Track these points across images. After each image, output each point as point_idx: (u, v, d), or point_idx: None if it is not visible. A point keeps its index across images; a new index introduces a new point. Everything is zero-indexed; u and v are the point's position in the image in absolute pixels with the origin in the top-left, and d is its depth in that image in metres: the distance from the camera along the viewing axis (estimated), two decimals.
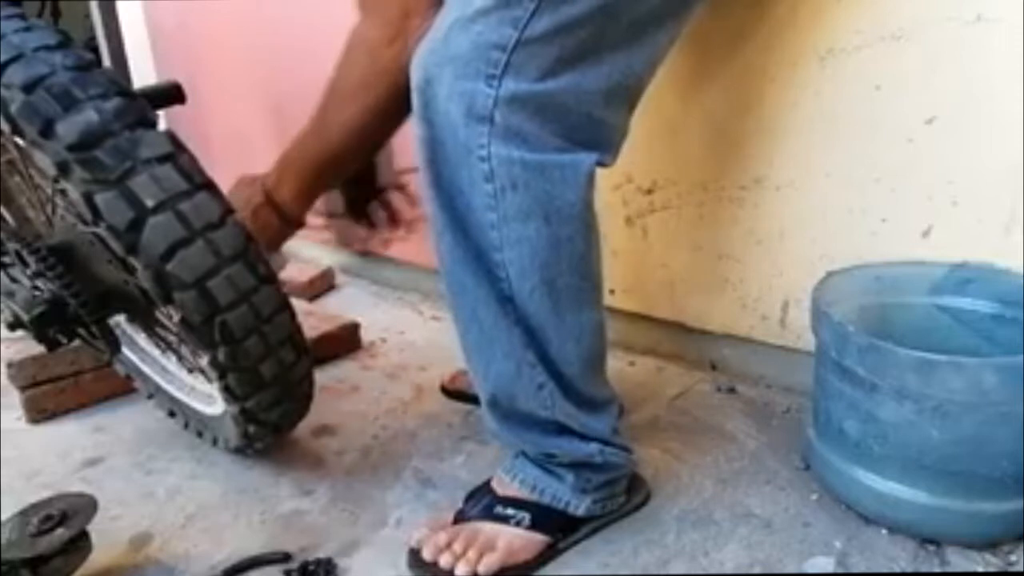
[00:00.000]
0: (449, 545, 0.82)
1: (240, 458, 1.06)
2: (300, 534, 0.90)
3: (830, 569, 0.81)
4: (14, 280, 0.89)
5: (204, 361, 0.82)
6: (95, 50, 2.24)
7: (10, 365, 1.16)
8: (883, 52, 0.93)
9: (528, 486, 0.85)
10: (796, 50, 0.99)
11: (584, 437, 0.82)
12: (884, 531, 0.85)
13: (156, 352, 1.13)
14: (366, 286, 1.73)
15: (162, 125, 0.78)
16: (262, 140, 1.81)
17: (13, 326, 0.88)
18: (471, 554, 0.81)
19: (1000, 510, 0.80)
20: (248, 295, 0.79)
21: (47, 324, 0.85)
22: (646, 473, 0.95)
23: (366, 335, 1.42)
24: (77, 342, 0.93)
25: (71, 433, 1.15)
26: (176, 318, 0.77)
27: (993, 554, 0.81)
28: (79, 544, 0.80)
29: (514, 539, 0.83)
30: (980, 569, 0.80)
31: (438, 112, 0.70)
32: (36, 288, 0.85)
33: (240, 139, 1.91)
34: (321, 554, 0.86)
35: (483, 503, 0.87)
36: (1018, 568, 0.80)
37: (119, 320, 1.11)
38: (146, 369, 1.14)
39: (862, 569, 0.81)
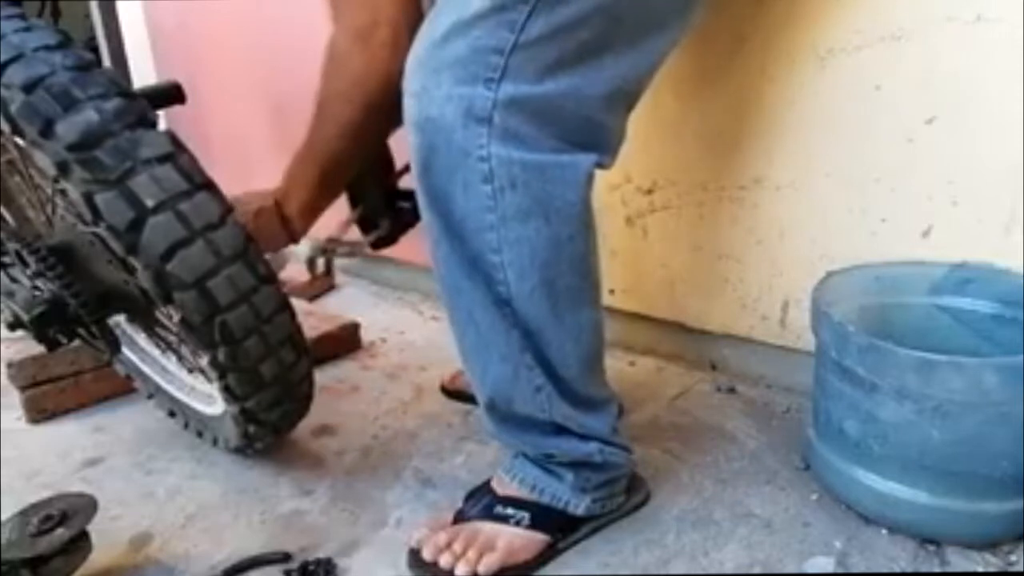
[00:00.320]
0: (449, 545, 0.82)
1: (240, 458, 1.06)
2: (300, 534, 0.90)
3: (830, 569, 0.81)
4: (14, 280, 0.89)
5: (204, 361, 0.82)
6: (95, 50, 2.24)
7: (10, 365, 1.16)
8: (883, 52, 0.93)
9: (528, 486, 0.85)
10: (795, 50, 0.99)
11: (583, 437, 0.82)
12: (884, 531, 0.85)
13: (156, 352, 1.13)
14: (366, 286, 1.73)
15: (162, 125, 0.78)
16: (262, 140, 1.81)
17: (13, 326, 0.88)
18: (471, 554, 0.81)
19: (1000, 510, 0.80)
20: (248, 295, 0.79)
21: (47, 324, 0.85)
22: (646, 473, 0.95)
23: (366, 335, 1.42)
24: (77, 342, 0.93)
25: (71, 433, 1.15)
26: (176, 318, 0.77)
27: (993, 554, 0.81)
28: (79, 544, 0.80)
29: (514, 539, 0.83)
30: (980, 569, 0.80)
31: (433, 116, 0.70)
32: (36, 288, 0.85)
33: (240, 139, 1.91)
34: (321, 554, 0.86)
35: (483, 503, 0.87)
36: (1018, 568, 0.80)
37: (119, 320, 1.11)
38: (146, 369, 1.14)
39: (862, 569, 0.81)
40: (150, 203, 0.73)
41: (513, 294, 0.74)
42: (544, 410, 0.79)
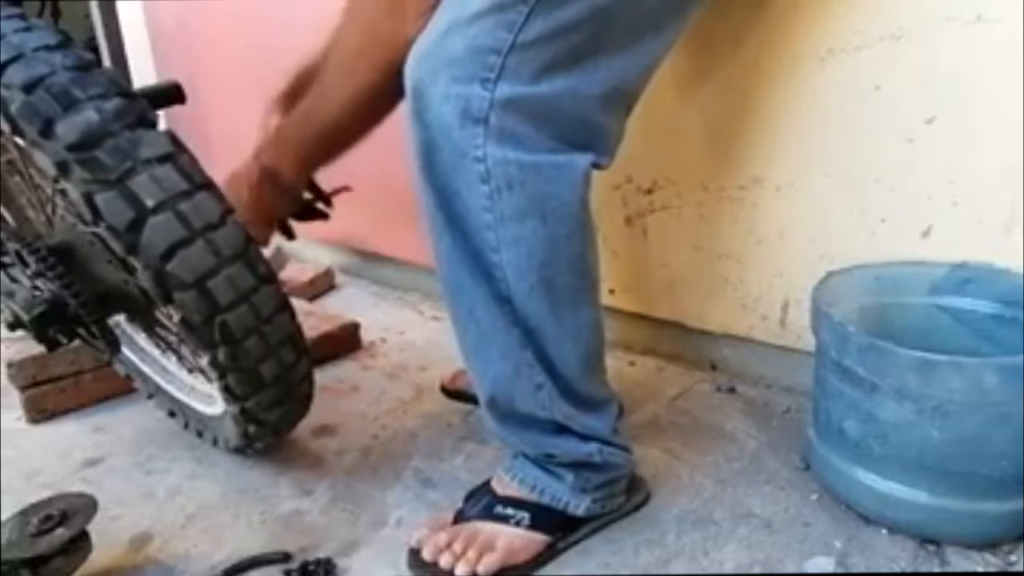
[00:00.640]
0: (449, 545, 0.82)
1: (240, 458, 1.06)
2: (300, 534, 0.90)
3: (830, 569, 0.81)
4: (14, 280, 0.89)
5: (204, 361, 0.82)
6: (95, 50, 2.24)
7: (10, 365, 1.16)
8: (883, 52, 0.93)
9: (528, 486, 0.85)
10: (796, 50, 0.99)
11: (583, 437, 0.82)
12: (884, 531, 0.85)
13: (156, 352, 1.13)
14: (366, 286, 1.73)
15: (162, 125, 0.78)
16: None
17: (13, 326, 0.88)
18: (471, 554, 0.81)
19: (1000, 510, 0.80)
20: (248, 295, 0.79)
21: (47, 324, 0.85)
22: (646, 473, 0.95)
23: (366, 335, 1.42)
24: (77, 342, 0.93)
25: (71, 433, 1.15)
26: (176, 318, 0.78)
27: (993, 554, 0.81)
28: (79, 544, 0.80)
29: (514, 539, 0.83)
30: (980, 569, 0.80)
31: (433, 114, 0.70)
32: (36, 288, 0.85)
33: (240, 139, 1.91)
34: (321, 554, 0.86)
35: (483, 503, 0.87)
36: (1018, 568, 0.80)
37: (119, 320, 1.11)
38: (146, 369, 1.14)
39: (862, 569, 0.81)
40: (150, 203, 0.73)
41: (512, 292, 0.74)
42: (545, 408, 0.79)
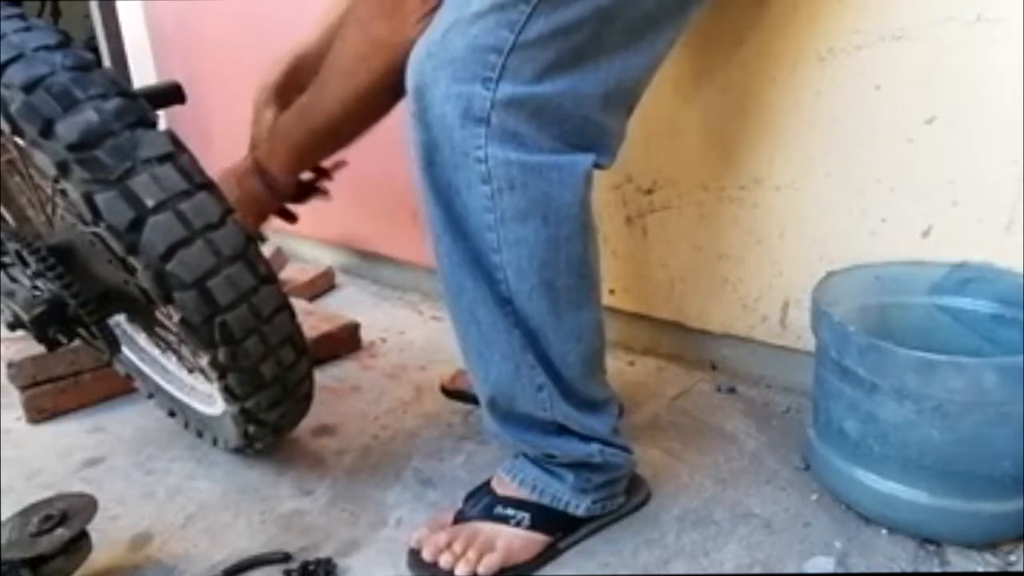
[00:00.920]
0: (449, 545, 0.82)
1: (240, 458, 1.06)
2: (300, 534, 0.90)
3: (830, 569, 0.81)
4: (14, 280, 0.89)
5: (204, 361, 0.82)
6: (95, 50, 2.24)
7: (10, 365, 1.16)
8: (883, 52, 0.93)
9: (528, 486, 0.85)
10: (796, 50, 0.99)
11: (584, 437, 0.82)
12: (884, 531, 0.85)
13: (156, 352, 1.13)
14: (366, 286, 1.73)
15: (162, 125, 0.78)
16: None
17: (13, 326, 0.88)
18: (471, 554, 0.81)
19: (1000, 510, 0.80)
20: (248, 295, 0.79)
21: (47, 324, 0.85)
22: (646, 473, 0.95)
23: (366, 335, 1.42)
24: (77, 342, 0.93)
25: (71, 433, 1.15)
26: (176, 318, 0.77)
27: (993, 554, 0.81)
28: (79, 544, 0.80)
29: (514, 539, 0.83)
30: (980, 569, 0.80)
31: (434, 115, 0.70)
32: (36, 288, 0.85)
33: (240, 139, 1.91)
34: (321, 554, 0.86)
35: (483, 503, 0.87)
36: (1018, 568, 0.80)
37: (119, 320, 1.11)
38: (146, 369, 1.14)
39: (862, 569, 0.81)
40: (150, 203, 0.73)
41: (513, 293, 0.74)
42: (545, 409, 0.79)
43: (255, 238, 1.00)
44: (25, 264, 0.84)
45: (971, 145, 0.91)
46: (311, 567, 0.83)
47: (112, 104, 0.74)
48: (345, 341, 1.38)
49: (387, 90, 0.79)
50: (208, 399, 1.03)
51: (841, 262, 0.98)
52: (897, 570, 0.80)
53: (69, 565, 0.79)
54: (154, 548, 0.89)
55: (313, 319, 1.37)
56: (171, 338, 0.99)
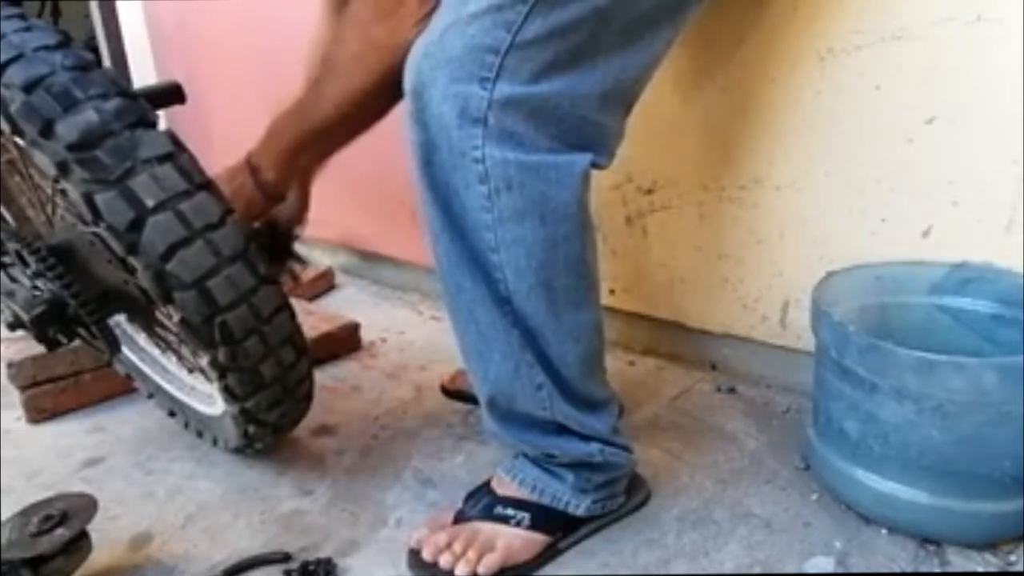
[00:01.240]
0: (449, 545, 0.82)
1: (240, 458, 1.06)
2: (300, 534, 0.90)
3: (830, 569, 0.81)
4: (14, 280, 0.89)
5: (204, 361, 0.82)
6: (95, 50, 2.24)
7: (10, 365, 1.16)
8: (883, 52, 0.93)
9: (528, 486, 0.85)
10: (796, 50, 0.99)
11: (583, 437, 0.82)
12: (884, 531, 0.85)
13: (156, 352, 1.13)
14: (366, 286, 1.73)
15: (162, 125, 0.78)
16: None
17: (13, 326, 0.88)
18: (471, 554, 0.81)
19: (1000, 510, 0.80)
20: (248, 295, 0.79)
21: (47, 324, 0.85)
22: (646, 473, 0.95)
23: (366, 335, 1.42)
24: (77, 342, 0.93)
25: (71, 433, 1.15)
26: (176, 318, 0.77)
27: (993, 554, 0.81)
28: (79, 544, 0.80)
29: (514, 539, 0.83)
30: (980, 569, 0.80)
31: (432, 115, 0.70)
32: (36, 288, 0.85)
33: (240, 139, 1.91)
34: (321, 554, 0.86)
35: (483, 503, 0.87)
36: (1018, 568, 0.80)
37: (119, 320, 1.11)
38: (146, 369, 1.14)
39: (862, 569, 0.81)
40: (150, 203, 0.73)
41: (512, 293, 0.74)
42: (545, 408, 0.79)
43: (289, 258, 1.01)
44: (25, 264, 0.84)
45: (971, 145, 0.91)
46: (311, 567, 0.83)
47: (112, 104, 0.74)
48: (345, 341, 1.38)
49: (383, 92, 0.80)
50: (208, 399, 1.03)
51: (841, 262, 0.98)
52: (897, 570, 0.80)
53: (69, 565, 0.79)
54: (154, 548, 0.89)
55: (313, 319, 1.37)
56: (171, 338, 0.99)
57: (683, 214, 1.17)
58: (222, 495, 0.99)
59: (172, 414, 1.13)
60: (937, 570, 0.80)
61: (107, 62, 2.24)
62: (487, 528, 0.84)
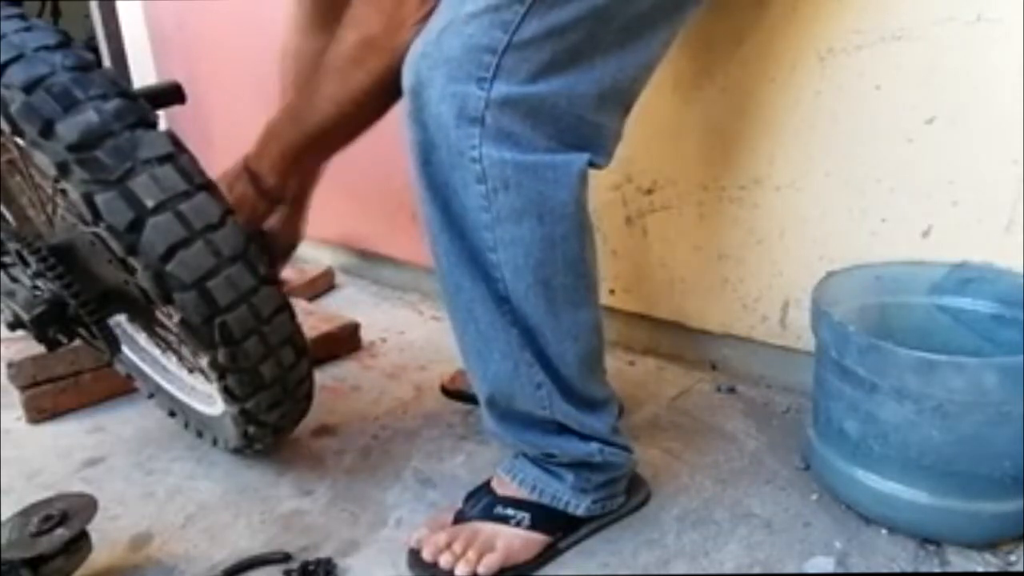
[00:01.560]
0: (449, 545, 0.82)
1: (240, 458, 1.06)
2: (300, 534, 0.90)
3: (830, 569, 0.81)
4: (14, 280, 0.89)
5: (204, 362, 0.82)
6: (95, 50, 2.24)
7: (10, 365, 1.16)
8: (883, 52, 0.93)
9: (528, 486, 0.85)
10: (796, 50, 0.99)
11: (583, 436, 0.82)
12: (884, 531, 0.85)
13: (156, 352, 1.13)
14: (366, 286, 1.73)
15: (162, 125, 0.78)
16: None
17: (13, 326, 0.88)
18: (471, 554, 0.81)
19: (1000, 510, 0.80)
20: (248, 296, 0.79)
21: (47, 324, 0.85)
22: (646, 473, 0.95)
23: (366, 335, 1.42)
24: (77, 342, 0.93)
25: (71, 433, 1.15)
26: (176, 318, 0.77)
27: (993, 554, 0.81)
28: (79, 544, 0.80)
29: (514, 539, 0.83)
30: (980, 569, 0.80)
31: (430, 114, 0.70)
32: (36, 288, 0.85)
33: (240, 139, 1.91)
34: (321, 554, 0.86)
35: (483, 503, 0.87)
36: (1018, 568, 0.80)
37: (119, 320, 1.11)
38: (146, 369, 1.14)
39: (862, 569, 0.81)
40: (150, 203, 0.73)
41: (510, 292, 0.74)
42: (544, 407, 0.79)
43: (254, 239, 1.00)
44: (25, 264, 0.84)
45: (971, 145, 0.91)
46: (311, 567, 0.83)
47: (112, 104, 0.74)
48: (345, 341, 1.38)
49: (382, 93, 0.79)
50: (208, 399, 1.03)
51: (841, 262, 0.98)
52: (897, 570, 0.80)
53: (69, 565, 0.79)
54: (154, 548, 0.89)
55: (313, 319, 1.37)
56: (171, 338, 0.99)
57: (683, 214, 1.17)
58: (222, 495, 0.99)
59: (172, 414, 1.13)
60: (937, 570, 0.80)
61: (107, 62, 2.24)
62: (487, 528, 0.84)
